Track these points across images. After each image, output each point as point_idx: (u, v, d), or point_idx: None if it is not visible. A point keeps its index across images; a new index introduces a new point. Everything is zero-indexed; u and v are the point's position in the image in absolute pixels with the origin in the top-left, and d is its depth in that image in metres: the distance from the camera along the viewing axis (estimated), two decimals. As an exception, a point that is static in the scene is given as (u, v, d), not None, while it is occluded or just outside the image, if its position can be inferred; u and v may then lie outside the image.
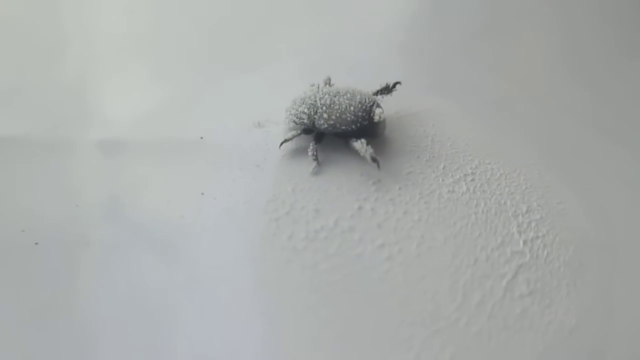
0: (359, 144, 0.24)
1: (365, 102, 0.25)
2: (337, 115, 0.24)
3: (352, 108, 0.24)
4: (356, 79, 0.26)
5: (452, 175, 0.24)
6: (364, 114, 0.24)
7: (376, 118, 0.25)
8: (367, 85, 0.26)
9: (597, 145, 0.25)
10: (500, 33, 0.29)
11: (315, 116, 0.25)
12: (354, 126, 0.24)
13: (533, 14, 0.30)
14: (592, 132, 0.26)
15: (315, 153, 0.24)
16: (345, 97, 0.25)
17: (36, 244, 0.22)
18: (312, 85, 0.26)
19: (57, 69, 0.28)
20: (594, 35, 0.29)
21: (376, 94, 0.26)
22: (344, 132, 0.25)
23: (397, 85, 0.26)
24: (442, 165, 0.25)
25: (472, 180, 0.24)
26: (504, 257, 0.22)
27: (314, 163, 0.24)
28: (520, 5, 0.30)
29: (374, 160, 0.24)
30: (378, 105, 0.25)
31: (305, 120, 0.25)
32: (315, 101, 0.25)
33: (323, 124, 0.24)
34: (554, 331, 0.20)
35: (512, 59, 0.28)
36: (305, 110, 0.25)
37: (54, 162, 0.25)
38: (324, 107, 0.24)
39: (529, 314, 0.20)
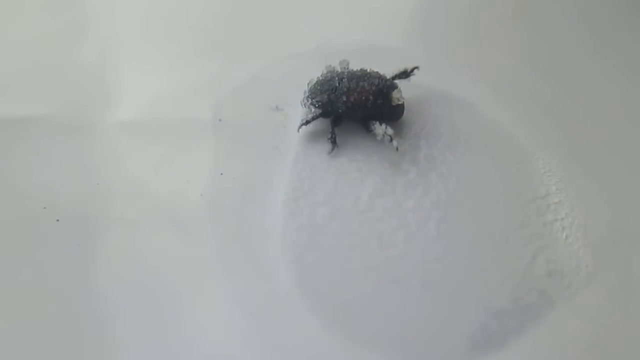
0: (378, 127, 0.24)
1: (383, 85, 0.25)
2: (355, 97, 0.24)
3: (370, 91, 0.24)
4: (373, 63, 0.26)
5: (470, 158, 0.24)
6: (383, 97, 0.25)
7: (395, 101, 0.25)
8: (385, 69, 0.26)
9: (617, 131, 0.25)
10: (521, 18, 0.29)
11: (333, 99, 0.25)
12: (372, 109, 0.24)
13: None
14: (613, 118, 0.25)
15: (333, 136, 0.24)
16: (363, 80, 0.25)
17: (57, 220, 0.23)
18: (329, 66, 0.26)
19: (78, 51, 0.28)
20: (620, 22, 0.29)
21: (394, 78, 0.26)
22: (362, 115, 0.25)
23: (415, 70, 0.26)
24: (460, 149, 0.25)
25: (491, 163, 0.24)
26: (524, 239, 0.22)
27: (332, 145, 0.24)
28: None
29: (392, 142, 0.24)
30: (396, 89, 0.25)
31: (323, 103, 0.25)
32: (334, 84, 0.25)
33: (341, 106, 0.24)
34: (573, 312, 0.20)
35: (534, 45, 0.28)
36: (324, 93, 0.25)
37: (75, 141, 0.25)
38: (342, 90, 0.24)
39: (548, 295, 0.20)
